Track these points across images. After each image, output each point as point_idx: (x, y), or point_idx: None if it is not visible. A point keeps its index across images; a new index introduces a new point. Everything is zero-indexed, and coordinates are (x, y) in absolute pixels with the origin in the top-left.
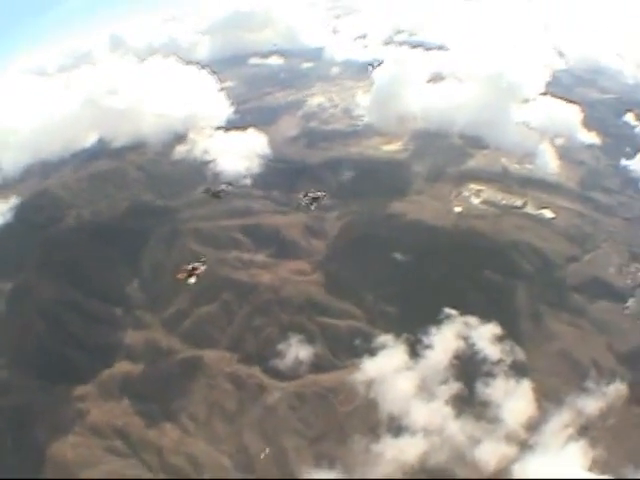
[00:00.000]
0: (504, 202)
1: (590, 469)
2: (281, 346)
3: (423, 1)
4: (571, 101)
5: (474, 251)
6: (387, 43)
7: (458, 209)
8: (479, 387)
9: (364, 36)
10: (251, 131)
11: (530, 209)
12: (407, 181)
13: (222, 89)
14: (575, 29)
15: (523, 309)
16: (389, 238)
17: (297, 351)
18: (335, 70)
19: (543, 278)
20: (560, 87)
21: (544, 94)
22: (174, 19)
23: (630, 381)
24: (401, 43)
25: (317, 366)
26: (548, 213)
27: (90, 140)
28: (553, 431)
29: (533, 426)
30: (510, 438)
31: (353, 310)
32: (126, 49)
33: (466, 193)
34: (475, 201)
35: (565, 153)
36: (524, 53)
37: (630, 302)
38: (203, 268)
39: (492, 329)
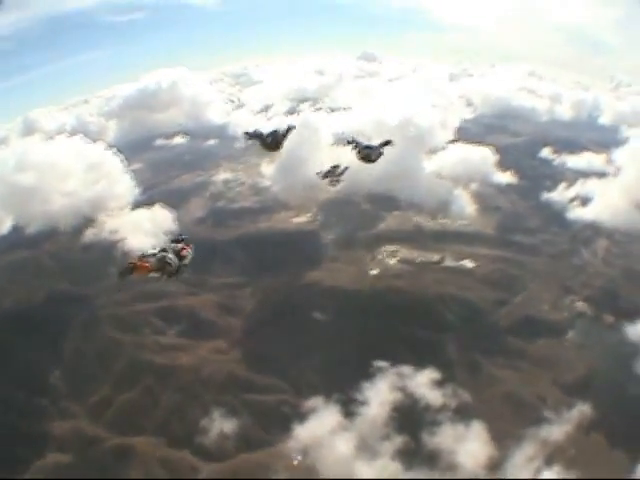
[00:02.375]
0: (421, 259)
1: None
2: (209, 427)
3: (325, 67)
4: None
5: (397, 310)
6: (291, 113)
7: (374, 271)
8: (425, 437)
9: (267, 108)
10: (157, 208)
11: (449, 262)
12: (320, 250)
13: (130, 171)
14: (482, 77)
15: (457, 360)
16: (307, 307)
17: (226, 431)
18: (240, 145)
19: (473, 327)
20: (470, 136)
21: (454, 141)
22: (85, 102)
23: (586, 408)
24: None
25: (248, 444)
26: (468, 263)
27: (5, 227)
28: (519, 466)
29: (495, 466)
30: None
31: (277, 383)
32: (38, 132)
33: (381, 255)
34: (391, 262)
35: (481, 199)
36: (430, 104)
37: (570, 334)
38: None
39: (429, 375)
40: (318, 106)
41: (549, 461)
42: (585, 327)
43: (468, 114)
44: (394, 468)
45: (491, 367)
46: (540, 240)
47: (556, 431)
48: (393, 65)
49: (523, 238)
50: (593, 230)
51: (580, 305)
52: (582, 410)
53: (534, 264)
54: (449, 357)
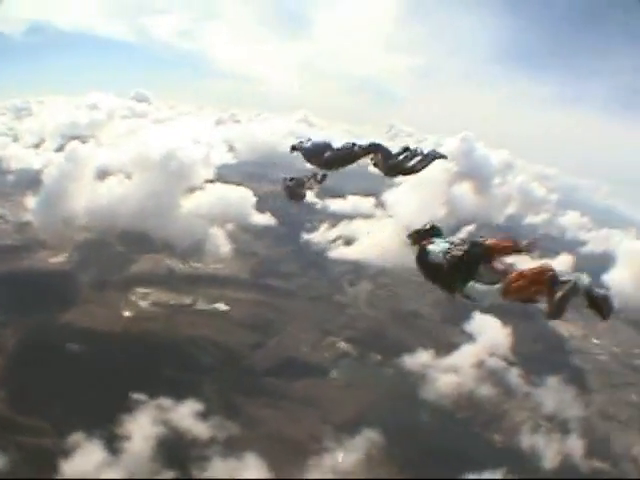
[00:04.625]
0: (173, 302)
1: None
2: None
3: (99, 104)
4: (239, 184)
5: (151, 352)
6: (59, 150)
7: (128, 314)
8: (196, 472)
9: (40, 143)
10: None
11: (202, 305)
12: (75, 291)
13: None
14: (248, 123)
15: (217, 402)
16: (64, 347)
17: None
18: (10, 181)
19: (230, 369)
20: (229, 181)
21: (212, 182)
22: None
23: (369, 440)
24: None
25: None
26: (222, 306)
27: None
28: None
29: None
30: None
31: (39, 422)
32: None
33: (134, 298)
34: (144, 304)
35: (237, 242)
36: (192, 144)
37: (335, 374)
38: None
39: (192, 407)
40: (87, 142)
41: None
42: (350, 366)
43: (230, 159)
44: None
45: (253, 408)
46: (297, 284)
47: (342, 463)
48: (163, 107)
49: (279, 282)
50: (357, 273)
51: (343, 346)
52: (364, 443)
53: (291, 308)
54: (207, 400)
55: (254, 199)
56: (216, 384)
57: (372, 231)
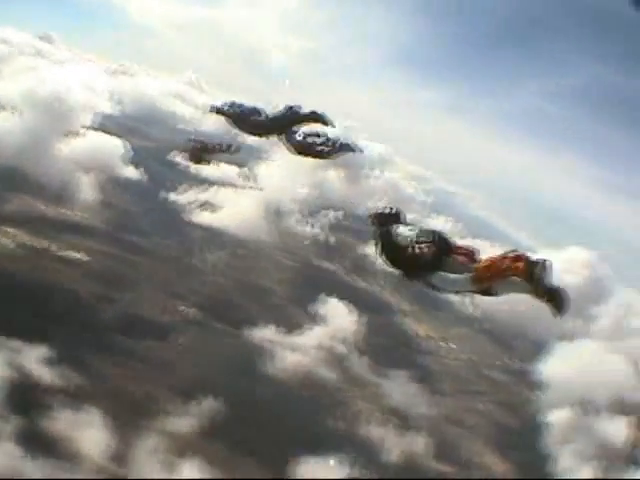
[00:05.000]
0: (36, 245)
1: None
2: None
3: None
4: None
5: (7, 293)
6: None
7: None
8: (43, 420)
9: None
10: None
11: (61, 252)
12: None
13: None
14: (139, 78)
15: (62, 352)
16: None
17: None
18: None
19: (78, 319)
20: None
21: (93, 129)
22: None
23: (206, 409)
24: None
25: None
26: (79, 255)
27: None
28: (146, 457)
29: (121, 456)
30: (100, 473)
31: None
32: None
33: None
34: (9, 244)
35: (102, 193)
36: (80, 90)
37: (180, 339)
38: None
39: (41, 352)
40: None
41: (182, 454)
42: (194, 332)
43: (113, 110)
44: (17, 453)
45: (97, 362)
46: (154, 243)
47: (179, 427)
48: (65, 50)
49: (137, 238)
50: (214, 240)
51: (190, 311)
52: (201, 410)
53: (144, 266)
54: (55, 348)
55: (128, 152)
56: (65, 333)
57: (236, 201)
